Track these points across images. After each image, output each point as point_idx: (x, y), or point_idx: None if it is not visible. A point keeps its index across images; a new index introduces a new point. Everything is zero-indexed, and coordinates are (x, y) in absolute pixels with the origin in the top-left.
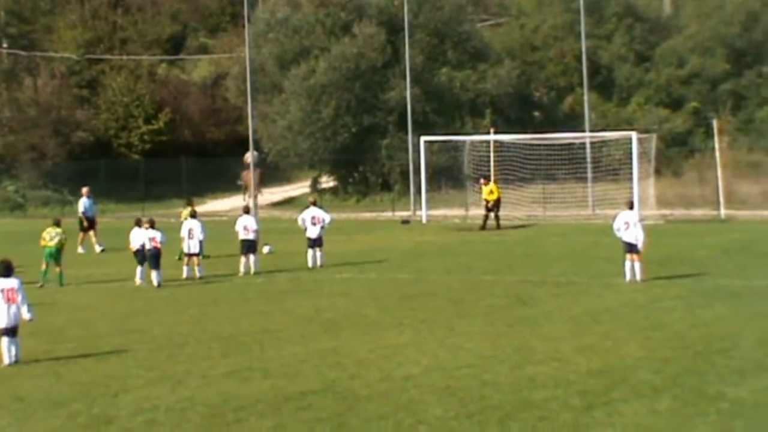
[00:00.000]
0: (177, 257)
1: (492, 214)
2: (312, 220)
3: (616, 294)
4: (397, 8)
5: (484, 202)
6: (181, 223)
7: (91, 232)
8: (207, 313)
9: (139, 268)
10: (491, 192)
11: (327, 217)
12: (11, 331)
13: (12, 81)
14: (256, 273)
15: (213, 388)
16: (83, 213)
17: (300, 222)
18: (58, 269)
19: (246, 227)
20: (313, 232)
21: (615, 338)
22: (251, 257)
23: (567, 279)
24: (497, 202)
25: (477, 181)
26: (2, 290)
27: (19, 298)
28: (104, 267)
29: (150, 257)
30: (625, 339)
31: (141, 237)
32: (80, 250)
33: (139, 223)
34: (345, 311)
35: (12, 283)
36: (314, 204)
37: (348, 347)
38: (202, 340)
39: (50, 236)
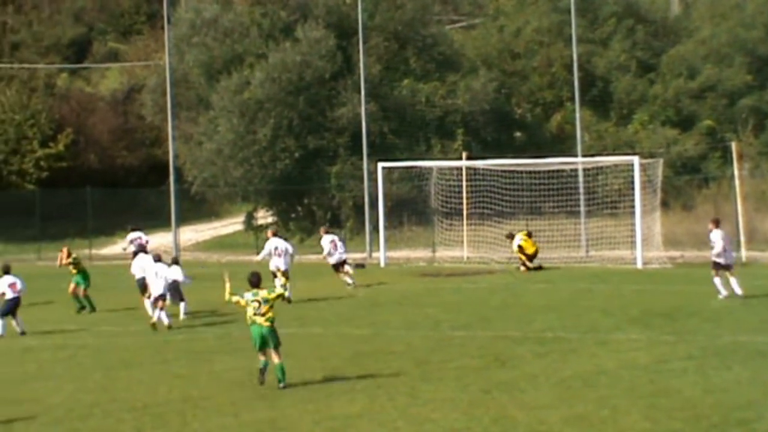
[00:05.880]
0: (76, 310)
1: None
2: (276, 251)
3: (613, 353)
4: (349, 7)
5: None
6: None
7: None
8: (116, 378)
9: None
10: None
11: (290, 248)
12: None
13: None
14: (169, 327)
15: None
16: None
17: (265, 253)
18: None
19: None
20: (282, 263)
21: (613, 407)
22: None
23: (554, 334)
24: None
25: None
26: None
27: None
28: None
29: (12, 306)
30: (624, 408)
31: (1, 285)
32: None
33: (7, 270)
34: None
35: None
36: (275, 235)
37: (288, 418)
38: (111, 411)
39: None
